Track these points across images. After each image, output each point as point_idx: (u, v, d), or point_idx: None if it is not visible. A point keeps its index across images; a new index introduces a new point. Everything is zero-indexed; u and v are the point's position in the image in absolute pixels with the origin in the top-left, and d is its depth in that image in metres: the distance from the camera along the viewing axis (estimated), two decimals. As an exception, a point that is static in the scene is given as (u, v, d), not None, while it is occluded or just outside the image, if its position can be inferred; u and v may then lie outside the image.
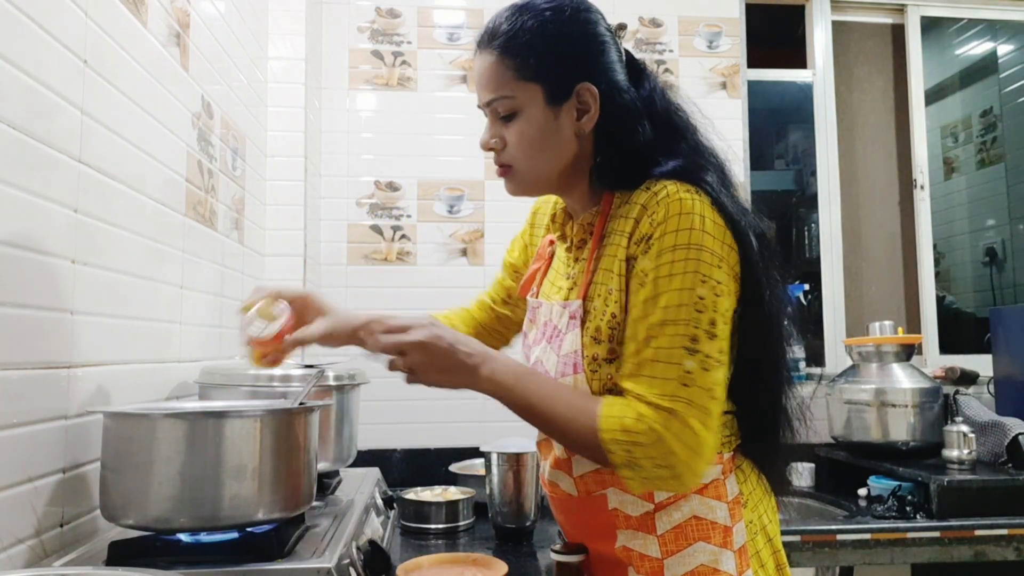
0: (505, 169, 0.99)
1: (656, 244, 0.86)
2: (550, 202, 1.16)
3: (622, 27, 1.00)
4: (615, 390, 0.91)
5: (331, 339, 0.95)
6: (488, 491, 1.64)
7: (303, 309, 1.03)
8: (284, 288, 1.04)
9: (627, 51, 1.00)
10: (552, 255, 1.11)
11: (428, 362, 0.89)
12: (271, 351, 1.00)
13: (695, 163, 0.94)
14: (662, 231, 0.86)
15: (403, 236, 2.33)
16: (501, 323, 1.29)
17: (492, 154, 1.00)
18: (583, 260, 1.00)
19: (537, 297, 1.10)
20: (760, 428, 0.97)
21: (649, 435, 0.82)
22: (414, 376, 0.90)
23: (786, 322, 0.96)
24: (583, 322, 0.94)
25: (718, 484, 0.94)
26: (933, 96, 3.00)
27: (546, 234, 1.14)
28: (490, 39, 0.95)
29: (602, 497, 0.96)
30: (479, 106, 0.99)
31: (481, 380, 0.90)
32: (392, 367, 0.91)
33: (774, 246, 0.95)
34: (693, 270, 0.85)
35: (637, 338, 0.87)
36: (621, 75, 0.97)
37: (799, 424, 0.98)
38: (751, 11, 2.59)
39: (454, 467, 1.97)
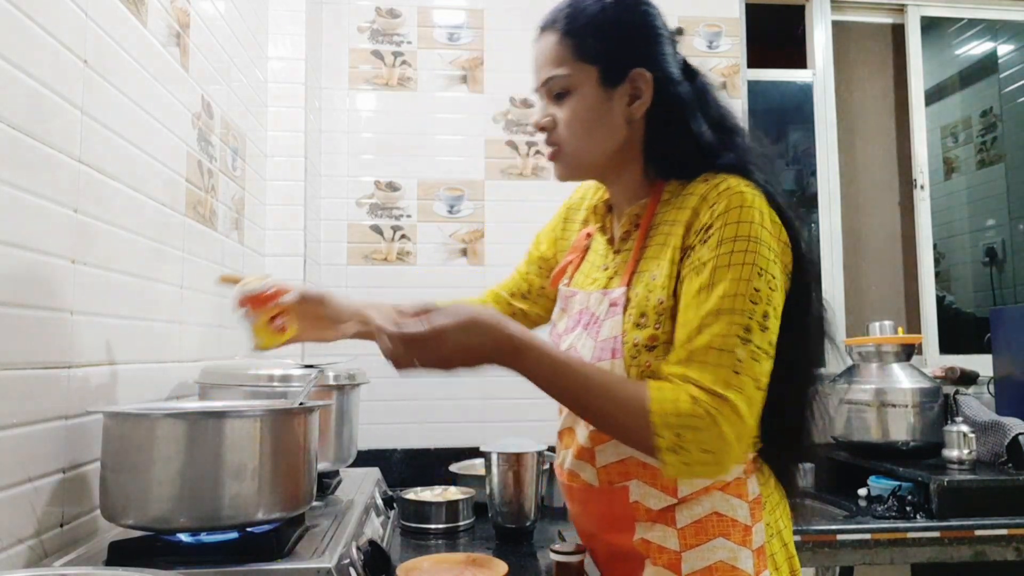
0: (555, 152, 1.01)
1: (716, 234, 0.87)
2: (586, 197, 1.17)
3: (680, 31, 1.03)
4: (653, 378, 0.89)
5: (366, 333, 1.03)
6: (488, 491, 1.64)
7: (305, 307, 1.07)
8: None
9: (681, 55, 1.03)
10: (587, 247, 1.12)
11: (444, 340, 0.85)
12: (271, 312, 1.01)
13: (750, 160, 0.96)
14: (723, 221, 0.88)
15: (403, 236, 2.33)
16: (515, 319, 1.28)
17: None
18: (626, 251, 1.01)
19: (570, 286, 1.10)
20: (783, 430, 0.97)
21: (704, 419, 0.81)
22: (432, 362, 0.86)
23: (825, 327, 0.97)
24: (624, 309, 0.94)
25: (740, 483, 0.94)
26: (933, 96, 3.00)
27: (583, 227, 1.15)
28: (553, 20, 0.99)
29: (624, 489, 0.96)
30: (534, 89, 1.02)
31: (521, 350, 0.86)
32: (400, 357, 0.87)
33: (816, 252, 0.96)
34: (751, 262, 0.86)
35: (689, 325, 0.87)
36: (675, 68, 0.99)
37: (821, 427, 0.99)
38: (751, 11, 2.59)
39: (454, 467, 1.96)
